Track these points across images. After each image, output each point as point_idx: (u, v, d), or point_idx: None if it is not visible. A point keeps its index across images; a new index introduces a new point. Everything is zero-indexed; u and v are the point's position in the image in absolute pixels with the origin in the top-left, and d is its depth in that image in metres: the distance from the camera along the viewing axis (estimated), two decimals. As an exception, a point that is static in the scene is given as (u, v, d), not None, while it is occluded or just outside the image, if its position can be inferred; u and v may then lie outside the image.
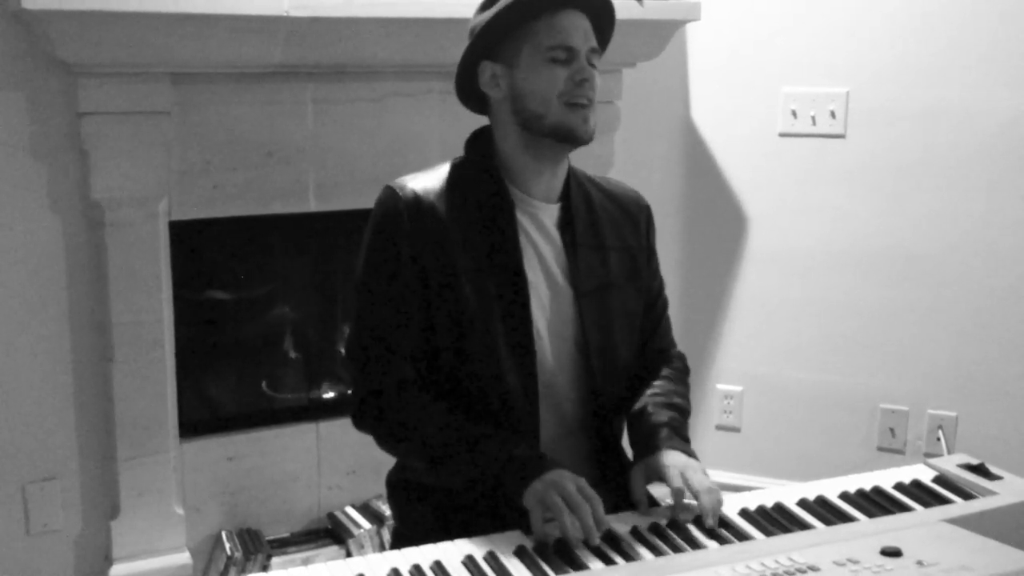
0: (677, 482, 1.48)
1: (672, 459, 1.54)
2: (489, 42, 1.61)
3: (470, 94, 1.68)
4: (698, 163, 3.25)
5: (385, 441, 1.65)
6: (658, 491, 1.56)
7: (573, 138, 1.59)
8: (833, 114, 3.05)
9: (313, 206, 2.70)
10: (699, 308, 3.29)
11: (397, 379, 1.60)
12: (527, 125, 1.60)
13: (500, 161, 1.65)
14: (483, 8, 1.64)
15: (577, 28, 1.58)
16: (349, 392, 1.70)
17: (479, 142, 1.69)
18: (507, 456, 1.49)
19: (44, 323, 2.48)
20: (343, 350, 1.69)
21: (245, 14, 2.35)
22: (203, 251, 2.70)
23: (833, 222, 3.11)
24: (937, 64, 2.95)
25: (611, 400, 1.70)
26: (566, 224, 1.67)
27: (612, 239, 1.71)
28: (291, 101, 2.62)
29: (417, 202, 1.60)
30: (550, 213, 1.66)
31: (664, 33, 2.92)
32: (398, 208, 1.59)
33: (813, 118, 3.07)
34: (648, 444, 1.60)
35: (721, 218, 3.24)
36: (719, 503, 1.47)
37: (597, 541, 1.37)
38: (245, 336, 2.86)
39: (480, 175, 1.64)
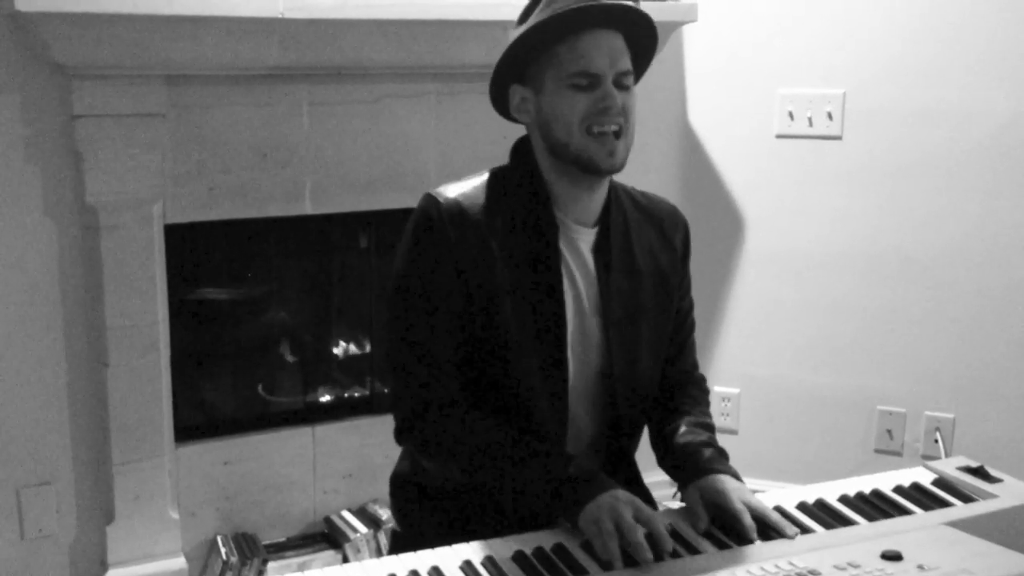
0: (738, 505, 1.45)
1: (726, 484, 1.50)
2: (517, 66, 1.56)
3: (506, 111, 1.63)
4: (695, 165, 3.24)
5: (431, 457, 1.59)
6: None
7: (595, 169, 1.54)
8: (830, 115, 3.05)
9: (309, 208, 2.69)
10: (696, 310, 3.28)
11: (442, 395, 1.55)
12: (554, 152, 1.56)
13: (543, 178, 1.59)
14: (520, 21, 1.58)
15: (601, 51, 1.51)
16: (392, 407, 1.64)
17: (524, 155, 1.61)
18: (563, 476, 1.46)
19: (38, 327, 2.47)
20: (386, 360, 1.64)
21: (240, 16, 2.35)
22: (198, 254, 2.69)
23: (830, 223, 3.10)
24: (934, 65, 2.94)
25: (630, 424, 1.68)
26: (602, 249, 1.62)
27: (645, 263, 1.66)
28: (286, 103, 2.61)
29: (460, 211, 1.54)
30: (587, 237, 1.61)
31: (661, 35, 2.90)
32: (441, 217, 1.53)
33: (810, 119, 3.07)
34: (696, 466, 1.56)
35: (718, 220, 3.23)
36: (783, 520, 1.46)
37: (650, 558, 1.33)
38: (241, 339, 2.85)
39: (525, 191, 1.59)
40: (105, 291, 2.46)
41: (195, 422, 2.72)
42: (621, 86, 1.54)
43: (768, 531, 1.43)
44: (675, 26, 2.94)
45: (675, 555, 1.38)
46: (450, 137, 2.77)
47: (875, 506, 1.53)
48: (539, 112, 1.55)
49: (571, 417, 1.61)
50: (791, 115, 3.09)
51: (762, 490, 1.60)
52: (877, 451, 3.14)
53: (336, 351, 2.98)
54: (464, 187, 1.58)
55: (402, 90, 2.74)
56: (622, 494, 1.42)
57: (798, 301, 3.17)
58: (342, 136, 2.69)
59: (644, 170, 3.16)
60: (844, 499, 1.55)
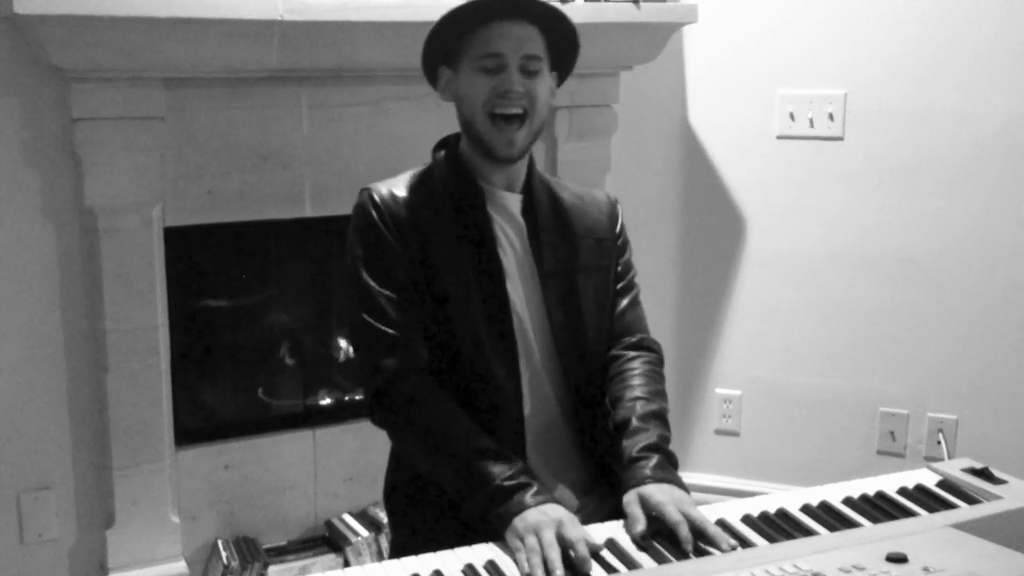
0: (677, 516, 1.43)
1: (666, 495, 1.49)
2: (443, 48, 1.66)
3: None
4: (696, 166, 3.24)
5: (399, 435, 1.65)
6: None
7: (494, 156, 1.63)
8: (831, 116, 3.04)
9: (309, 211, 2.68)
10: (697, 312, 3.28)
11: (409, 361, 1.61)
12: (466, 131, 1.67)
13: (464, 157, 1.70)
14: None
15: (507, 37, 1.60)
16: (362, 392, 1.72)
17: (449, 142, 1.75)
18: (497, 484, 1.47)
19: (38, 331, 2.46)
20: (349, 347, 1.73)
21: (239, 18, 2.34)
22: (198, 257, 2.68)
23: (832, 225, 3.10)
24: (936, 66, 2.94)
25: (587, 388, 1.70)
26: (529, 211, 1.70)
27: (580, 228, 1.75)
28: (286, 105, 2.61)
29: (393, 199, 1.65)
30: (514, 201, 1.70)
31: (661, 36, 2.90)
32: (376, 206, 1.64)
33: (811, 120, 3.06)
34: (641, 473, 1.54)
35: (719, 221, 3.22)
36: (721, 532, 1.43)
37: None
38: (241, 343, 2.84)
39: (447, 171, 1.69)
40: (104, 294, 2.45)
41: (195, 426, 2.71)
42: (527, 71, 1.61)
43: (705, 544, 1.40)
44: (675, 27, 2.93)
45: (680, 556, 1.37)
46: (450, 139, 2.76)
47: (879, 508, 1.52)
48: (455, 93, 1.66)
49: (528, 377, 1.66)
50: (792, 116, 3.08)
51: (762, 491, 1.59)
52: (880, 453, 3.14)
53: (336, 354, 2.97)
54: (395, 180, 1.70)
55: (402, 92, 2.73)
56: (551, 509, 1.43)
57: (800, 302, 3.16)
58: (342, 139, 2.68)
59: (644, 172, 3.16)
60: (848, 501, 1.55)
